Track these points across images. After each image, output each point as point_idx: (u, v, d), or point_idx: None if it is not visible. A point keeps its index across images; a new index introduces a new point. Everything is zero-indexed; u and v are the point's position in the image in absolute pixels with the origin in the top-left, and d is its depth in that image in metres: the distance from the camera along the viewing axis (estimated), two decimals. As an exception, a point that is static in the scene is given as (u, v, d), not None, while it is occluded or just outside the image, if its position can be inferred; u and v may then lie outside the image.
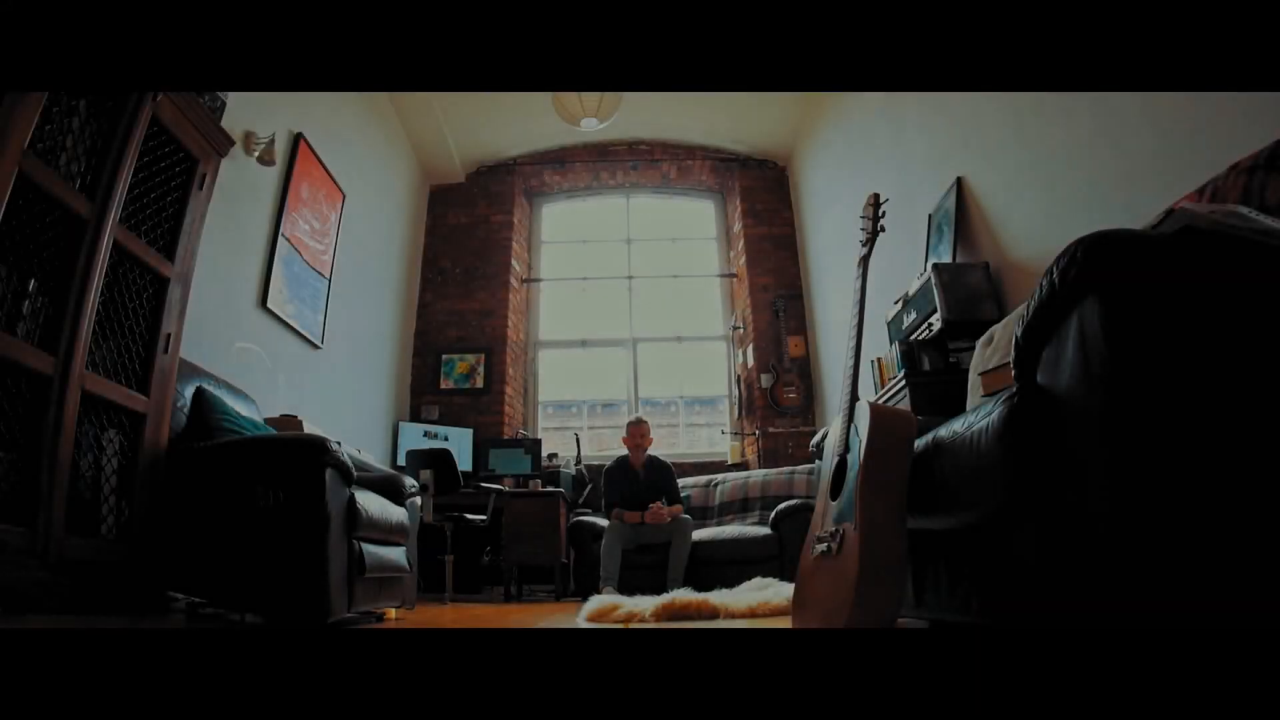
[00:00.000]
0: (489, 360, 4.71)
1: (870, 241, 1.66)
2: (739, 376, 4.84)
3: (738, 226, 5.14)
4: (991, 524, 1.12)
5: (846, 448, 1.41)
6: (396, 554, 2.11)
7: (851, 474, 1.34)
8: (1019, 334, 1.02)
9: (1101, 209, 1.98)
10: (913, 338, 2.51)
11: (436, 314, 4.89)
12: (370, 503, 1.96)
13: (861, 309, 1.60)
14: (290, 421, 2.73)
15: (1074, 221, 2.10)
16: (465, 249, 5.04)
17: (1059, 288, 0.91)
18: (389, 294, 4.50)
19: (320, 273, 3.58)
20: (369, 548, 1.91)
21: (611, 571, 3.30)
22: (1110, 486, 0.84)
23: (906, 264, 3.15)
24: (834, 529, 1.34)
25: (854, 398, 1.48)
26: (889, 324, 2.82)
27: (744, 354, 4.86)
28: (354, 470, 1.82)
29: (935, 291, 2.41)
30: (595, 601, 2.42)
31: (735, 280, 5.21)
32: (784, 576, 3.07)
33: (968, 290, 2.41)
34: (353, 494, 1.84)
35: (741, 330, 4.95)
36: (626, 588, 3.22)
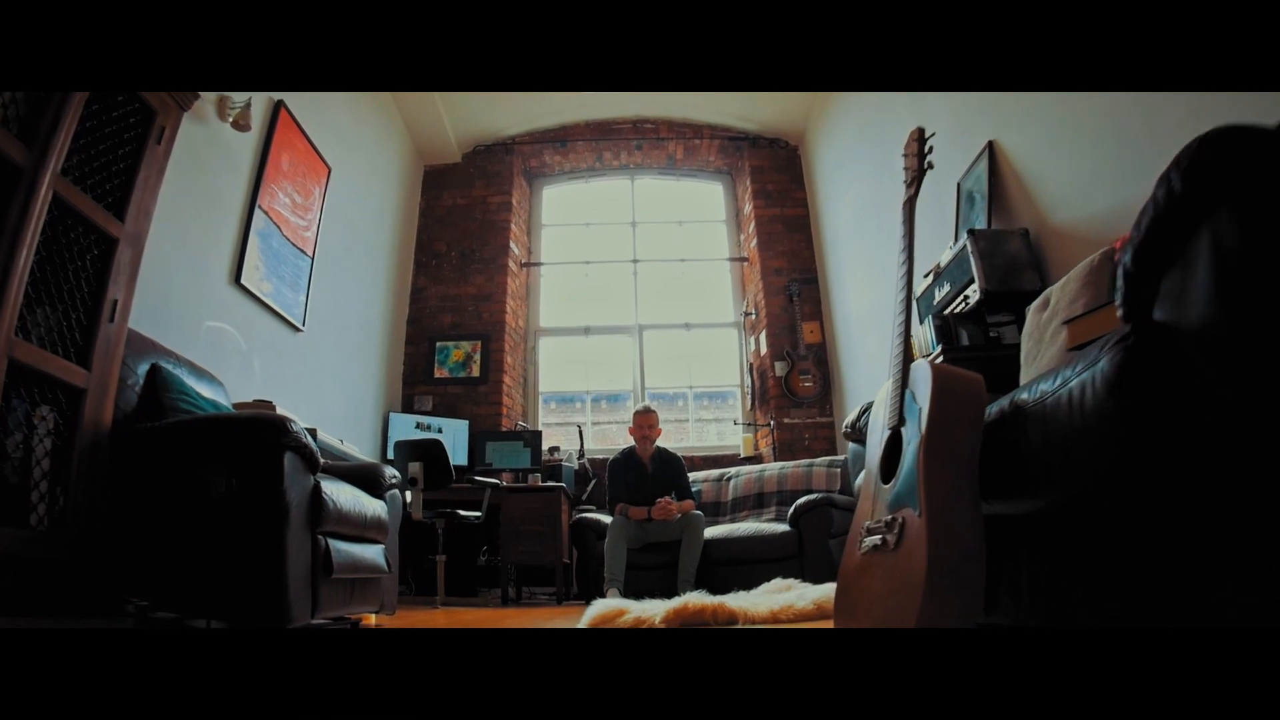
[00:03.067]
0: (486, 348, 4.47)
1: (916, 181, 1.41)
2: (751, 365, 4.59)
3: (748, 208, 4.89)
4: (1098, 501, 0.88)
5: (901, 419, 1.16)
6: (372, 553, 1.87)
7: (910, 449, 1.09)
8: (1128, 261, 0.80)
9: (1152, 162, 1.76)
10: (947, 312, 2.26)
11: (430, 299, 4.66)
12: (341, 494, 1.72)
13: (910, 257, 1.35)
14: (263, 408, 2.48)
15: (1123, 178, 1.91)
16: (461, 231, 4.80)
17: (1181, 199, 0.71)
18: (379, 278, 4.27)
19: (302, 250, 3.34)
20: (338, 545, 1.66)
21: (616, 573, 3.06)
22: (1269, 444, 0.64)
23: (934, 237, 2.89)
24: (889, 517, 1.09)
25: (907, 359, 1.23)
26: (918, 300, 2.57)
27: (756, 341, 4.60)
28: (319, 455, 1.58)
29: (972, 260, 2.18)
30: (599, 606, 2.17)
31: (746, 264, 4.96)
32: (805, 576, 2.82)
33: (1007, 259, 2.19)
34: (318, 482, 1.60)
35: (754, 316, 4.70)
36: (633, 590, 2.99)
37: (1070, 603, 0.95)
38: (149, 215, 2.10)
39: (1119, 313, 0.83)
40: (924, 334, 2.31)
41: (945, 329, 2.17)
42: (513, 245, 4.80)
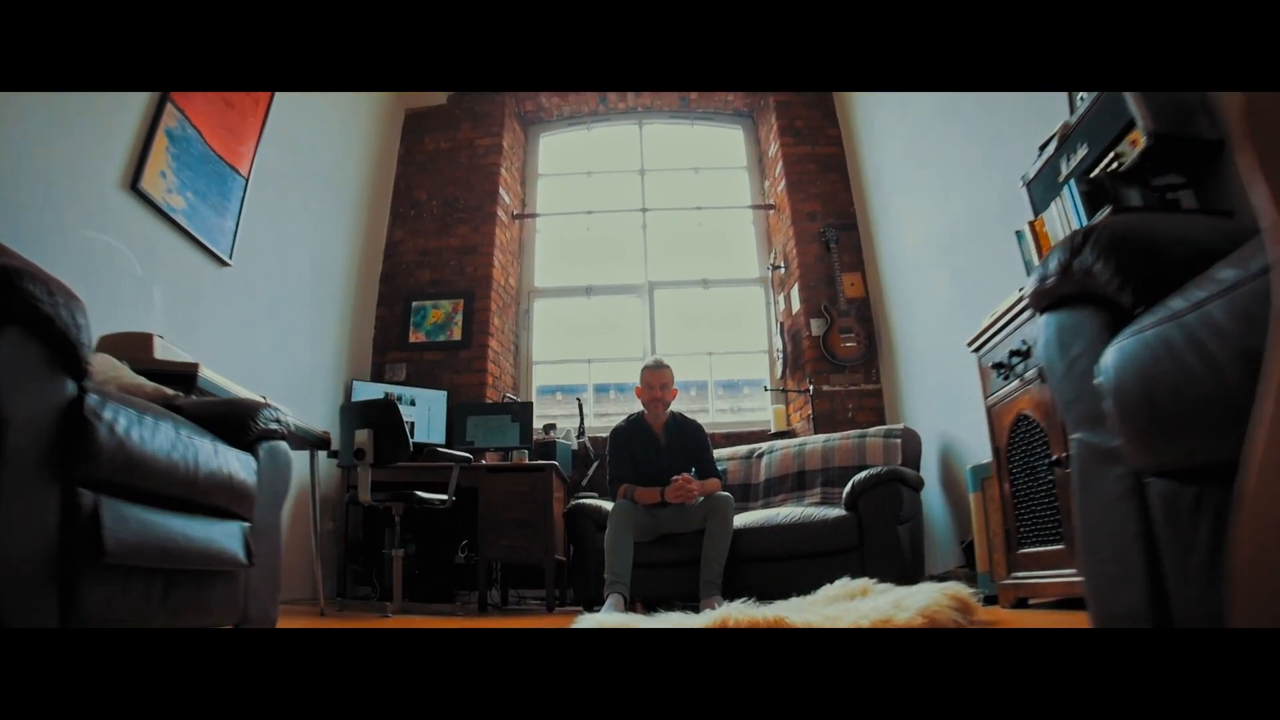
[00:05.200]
0: (468, 307, 3.81)
1: None
2: (782, 325, 3.87)
3: (774, 148, 4.19)
4: None
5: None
6: (214, 532, 1.19)
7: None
8: None
9: None
10: (1094, 175, 1.56)
11: (407, 254, 4.01)
12: (147, 428, 1.05)
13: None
14: (134, 341, 1.84)
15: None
16: (444, 178, 4.16)
17: None
18: (343, 225, 3.63)
19: (233, 167, 2.70)
20: (128, 510, 0.99)
21: (620, 573, 2.36)
22: None
23: (1029, 119, 2.15)
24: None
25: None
26: (1030, 185, 1.88)
27: (787, 298, 3.89)
28: (85, 345, 0.91)
29: (1127, 98, 1.49)
30: (589, 623, 1.48)
31: (773, 213, 4.25)
32: (869, 574, 2.09)
33: (1171, 96, 1.50)
34: (85, 397, 0.94)
35: (783, 270, 3.99)
36: (642, 595, 2.31)
37: None
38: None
39: None
40: (1059, 212, 1.59)
41: (1097, 195, 1.47)
42: (503, 193, 4.15)
